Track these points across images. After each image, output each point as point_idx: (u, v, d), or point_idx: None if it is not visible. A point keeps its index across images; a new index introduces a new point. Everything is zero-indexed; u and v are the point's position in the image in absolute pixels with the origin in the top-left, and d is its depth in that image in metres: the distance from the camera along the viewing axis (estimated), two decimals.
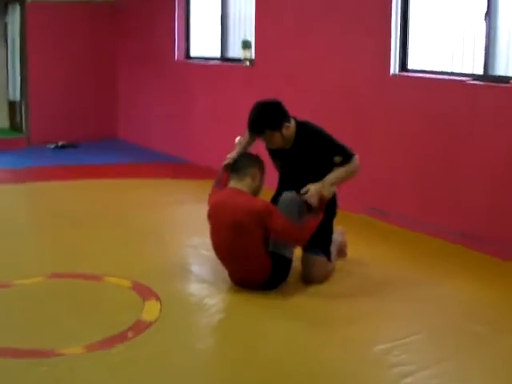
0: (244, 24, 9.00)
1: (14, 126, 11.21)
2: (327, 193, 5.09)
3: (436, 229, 6.38)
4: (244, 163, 5.19)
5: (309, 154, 5.21)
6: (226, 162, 5.33)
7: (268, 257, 4.99)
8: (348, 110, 7.20)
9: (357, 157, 5.27)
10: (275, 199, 5.29)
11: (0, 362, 4.04)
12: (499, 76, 6.02)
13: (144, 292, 5.02)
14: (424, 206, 6.56)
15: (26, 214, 7.36)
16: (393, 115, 6.79)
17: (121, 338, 4.37)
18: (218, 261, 5.23)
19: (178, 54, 10.04)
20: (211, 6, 9.58)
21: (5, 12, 10.86)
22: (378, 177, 6.95)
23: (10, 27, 10.84)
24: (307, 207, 5.06)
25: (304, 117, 7.52)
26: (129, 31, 11.10)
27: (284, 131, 5.15)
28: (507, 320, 4.73)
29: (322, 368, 4.11)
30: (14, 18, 10.69)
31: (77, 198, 7.84)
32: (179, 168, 9.46)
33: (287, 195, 5.12)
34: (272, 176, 5.55)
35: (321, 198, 5.06)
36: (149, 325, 4.55)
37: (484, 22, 6.08)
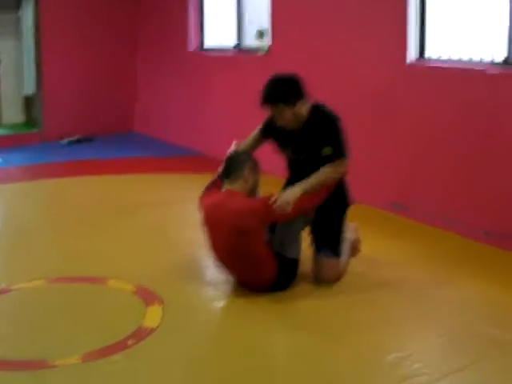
0: (260, 13, 8.79)
1: (30, 121, 11.06)
2: (298, 191, 4.76)
3: (457, 225, 6.13)
4: (234, 166, 4.94)
5: (316, 138, 4.95)
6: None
7: (273, 258, 4.78)
8: (365, 99, 6.97)
9: (347, 161, 4.97)
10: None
11: None
12: None
13: (147, 296, 4.82)
14: (445, 201, 6.30)
15: (34, 213, 7.14)
16: (411, 105, 6.53)
17: (120, 346, 4.18)
18: None
19: (192, 45, 9.85)
20: None
21: (18, 5, 10.69)
22: (396, 170, 6.73)
23: (24, 20, 10.67)
24: None
25: None
26: (146, 23, 10.93)
27: (297, 109, 4.90)
28: None
29: (329, 379, 3.89)
30: (27, 10, 10.53)
31: (89, 195, 7.65)
32: (195, 161, 9.27)
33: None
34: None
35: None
36: (150, 332, 4.35)
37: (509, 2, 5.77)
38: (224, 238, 4.77)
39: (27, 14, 10.54)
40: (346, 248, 5.26)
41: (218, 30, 9.72)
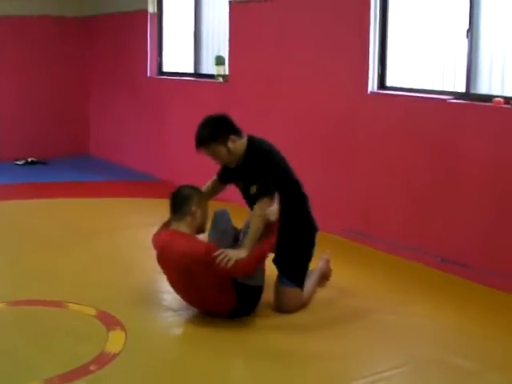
0: (218, 40, 8.82)
1: None
2: (244, 255, 4.61)
3: (416, 253, 6.17)
4: (180, 202, 4.89)
5: (251, 173, 4.92)
6: None
7: (231, 289, 4.70)
8: (325, 128, 7.00)
9: (266, 200, 4.78)
10: None
11: None
12: (482, 94, 5.83)
13: (109, 321, 4.74)
14: (404, 229, 6.34)
15: None
16: (371, 134, 6.58)
17: (83, 371, 4.09)
18: None
19: (150, 70, 9.81)
20: (184, 21, 9.36)
21: None
22: (357, 197, 6.75)
23: None
24: None
25: (279, 134, 7.41)
26: (100, 46, 10.88)
27: (230, 144, 4.89)
28: (494, 355, 4.47)
29: None
30: None
31: (42, 218, 7.55)
32: (151, 186, 9.22)
33: (221, 225, 4.91)
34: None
35: (271, 224, 4.77)
36: (113, 357, 4.27)
37: (466, 39, 5.90)
38: (175, 275, 4.77)
39: None
40: (312, 277, 5.25)
41: (176, 56, 9.70)
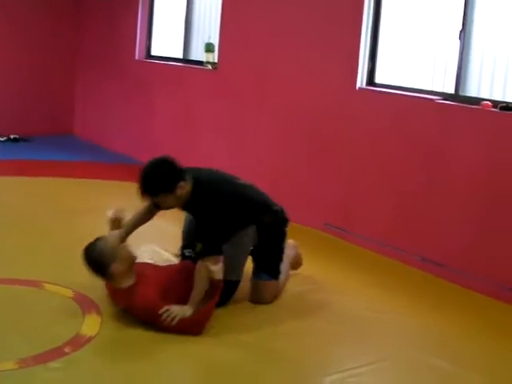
0: (209, 26, 8.78)
1: None
2: (189, 313, 4.43)
3: (397, 251, 6.18)
4: (100, 272, 4.55)
5: (201, 216, 4.74)
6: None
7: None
8: (312, 121, 6.98)
9: (210, 260, 4.54)
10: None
11: None
12: (470, 97, 5.84)
13: (85, 303, 4.72)
14: (386, 226, 6.35)
15: None
16: (357, 129, 6.57)
17: (57, 352, 4.07)
18: None
19: (138, 53, 9.75)
20: (176, 5, 9.30)
21: None
22: (340, 193, 6.74)
23: None
24: None
25: (266, 126, 7.42)
26: (90, 25, 10.79)
27: (178, 191, 4.62)
28: (468, 355, 4.50)
29: None
30: None
31: (22, 196, 7.48)
32: (134, 169, 9.09)
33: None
34: None
35: (215, 283, 4.56)
36: (88, 340, 4.26)
37: (458, 40, 5.90)
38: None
39: None
40: (284, 266, 5.24)
41: (166, 40, 9.65)
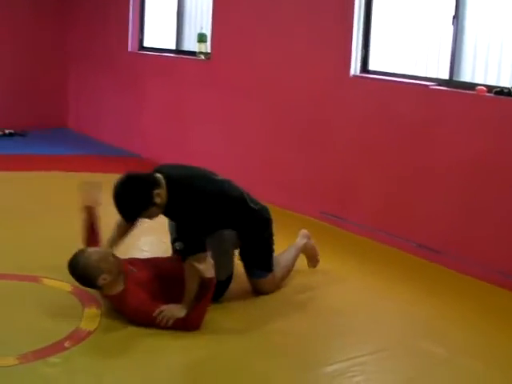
0: (201, 16, 8.76)
1: None
2: (183, 313, 4.39)
3: (392, 237, 6.18)
4: (88, 283, 4.50)
5: (182, 212, 4.60)
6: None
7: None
8: (306, 109, 6.97)
9: (196, 258, 4.41)
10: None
11: None
12: (465, 82, 5.84)
13: (84, 298, 4.71)
14: (381, 213, 6.35)
15: None
16: (351, 117, 6.57)
17: (57, 347, 4.07)
18: None
19: (131, 45, 9.72)
20: None
21: None
22: (335, 181, 6.74)
23: None
24: None
25: (258, 115, 7.40)
26: (82, 18, 10.76)
27: (157, 200, 4.46)
28: (466, 342, 4.51)
29: None
30: None
31: (18, 191, 7.49)
32: (128, 162, 9.13)
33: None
34: None
35: (206, 281, 4.44)
36: (88, 334, 4.26)
37: (452, 25, 5.89)
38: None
39: None
40: (288, 255, 5.25)
41: (158, 31, 9.62)
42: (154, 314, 4.35)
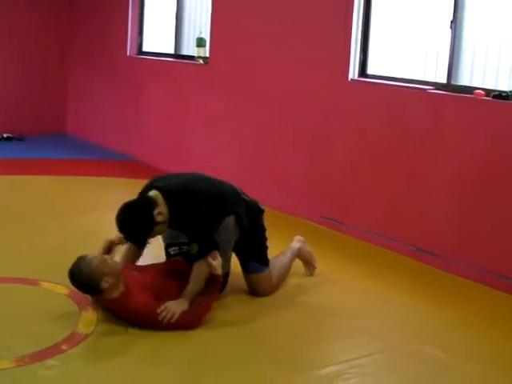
0: (200, 21, 8.77)
1: None
2: (186, 307, 4.47)
3: (391, 241, 6.18)
4: (90, 290, 4.49)
5: (184, 226, 4.75)
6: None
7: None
8: (305, 113, 6.97)
9: (216, 252, 4.61)
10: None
11: None
12: (463, 86, 5.84)
13: (81, 301, 4.68)
14: (381, 217, 6.35)
15: None
16: (350, 121, 6.57)
17: (55, 350, 4.06)
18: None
19: (130, 49, 9.73)
20: (167, 1, 9.28)
21: None
22: (335, 186, 6.74)
23: None
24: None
25: (257, 119, 7.40)
26: (81, 23, 10.75)
27: (160, 218, 4.54)
28: (466, 345, 4.51)
29: None
30: None
31: (16, 195, 7.48)
32: (127, 166, 9.16)
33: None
34: None
35: (216, 277, 4.57)
36: (85, 337, 4.25)
37: (450, 29, 5.89)
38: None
39: None
40: (285, 258, 5.27)
41: (157, 36, 9.63)
42: (159, 311, 4.38)
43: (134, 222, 4.56)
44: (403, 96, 6.16)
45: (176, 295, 4.57)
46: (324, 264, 5.62)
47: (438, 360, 4.25)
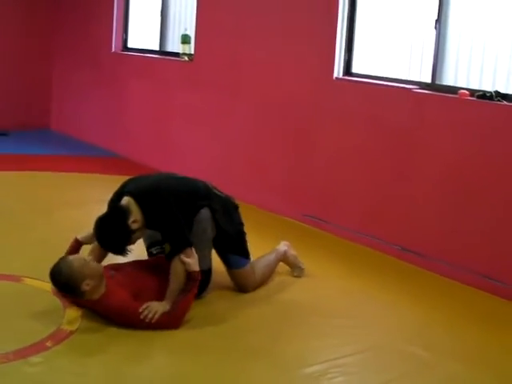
0: (185, 18, 8.76)
1: None
2: (168, 307, 4.45)
3: (376, 241, 6.20)
4: (71, 292, 4.44)
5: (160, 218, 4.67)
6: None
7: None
8: (289, 111, 6.98)
9: (189, 249, 4.58)
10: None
11: None
12: (447, 86, 5.87)
13: (65, 297, 4.68)
14: (365, 216, 6.37)
15: None
16: (334, 119, 6.58)
17: (39, 347, 4.06)
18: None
19: (115, 45, 9.71)
20: None
21: None
22: (318, 184, 6.75)
23: None
24: None
25: (241, 117, 7.41)
26: (66, 18, 10.71)
27: (134, 226, 4.53)
28: (449, 344, 4.53)
29: None
30: None
31: (2, 191, 7.45)
32: (111, 162, 9.14)
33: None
34: None
35: (193, 275, 4.53)
36: (69, 334, 4.25)
37: (434, 29, 5.92)
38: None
39: None
40: (270, 256, 5.30)
41: (142, 32, 9.61)
42: (140, 310, 4.37)
43: (111, 235, 4.56)
44: (388, 95, 6.18)
45: (156, 291, 4.57)
46: (307, 262, 5.62)
47: (422, 359, 4.27)
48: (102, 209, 4.83)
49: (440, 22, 5.90)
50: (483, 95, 5.49)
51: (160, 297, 4.52)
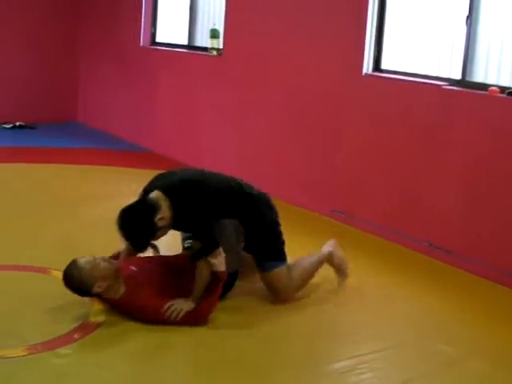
0: (214, 12, 8.76)
1: None
2: (192, 305, 4.40)
3: (404, 237, 6.17)
4: (81, 291, 4.38)
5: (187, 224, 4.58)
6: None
7: None
8: (318, 107, 6.97)
9: (218, 251, 4.46)
10: None
11: None
12: (477, 82, 5.82)
13: None
14: (393, 212, 6.34)
15: None
16: (363, 115, 6.55)
17: (67, 339, 4.10)
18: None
19: (143, 39, 9.72)
20: None
21: None
22: (347, 179, 6.73)
23: None
24: None
25: (270, 112, 7.40)
26: (94, 13, 10.75)
27: (160, 223, 4.36)
28: (473, 341, 4.52)
29: None
30: None
31: (30, 184, 7.50)
32: (138, 156, 9.17)
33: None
34: None
35: (218, 275, 4.47)
36: (97, 326, 4.28)
37: (465, 25, 5.88)
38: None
39: None
40: (311, 258, 5.07)
41: (171, 27, 9.62)
42: (164, 308, 4.34)
43: (135, 229, 4.39)
44: (417, 91, 6.15)
45: (177, 289, 4.52)
46: None
47: (448, 356, 4.26)
48: (129, 203, 4.82)
49: (471, 18, 5.85)
50: None
51: (183, 294, 4.46)
